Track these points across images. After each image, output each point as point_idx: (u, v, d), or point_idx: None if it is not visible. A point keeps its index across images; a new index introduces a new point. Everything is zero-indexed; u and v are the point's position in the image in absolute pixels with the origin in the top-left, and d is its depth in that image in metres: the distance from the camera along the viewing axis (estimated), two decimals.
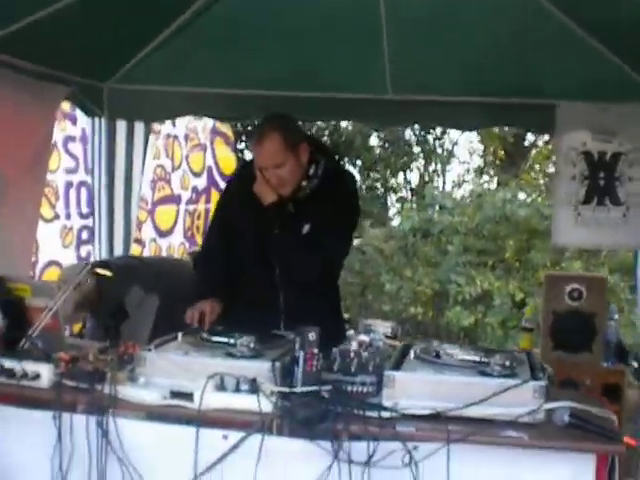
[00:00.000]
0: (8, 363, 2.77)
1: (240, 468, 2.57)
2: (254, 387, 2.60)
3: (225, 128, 10.08)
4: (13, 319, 3.03)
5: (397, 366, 2.75)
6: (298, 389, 2.61)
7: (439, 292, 9.59)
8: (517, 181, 11.02)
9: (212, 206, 9.62)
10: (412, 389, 2.62)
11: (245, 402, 2.59)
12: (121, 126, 5.25)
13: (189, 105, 5.22)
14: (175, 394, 2.65)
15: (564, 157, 5.01)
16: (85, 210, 7.26)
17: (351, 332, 9.03)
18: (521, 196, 10.37)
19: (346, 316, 9.24)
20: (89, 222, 7.31)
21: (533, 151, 12.69)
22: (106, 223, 5.39)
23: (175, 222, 8.83)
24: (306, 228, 3.54)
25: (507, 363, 2.73)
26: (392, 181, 12.47)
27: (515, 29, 4.55)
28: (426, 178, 12.74)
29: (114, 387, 2.66)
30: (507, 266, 9.81)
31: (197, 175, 9.35)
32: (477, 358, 2.81)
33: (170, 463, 2.61)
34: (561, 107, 4.96)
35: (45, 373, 2.75)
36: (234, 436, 2.57)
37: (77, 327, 4.65)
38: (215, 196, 9.71)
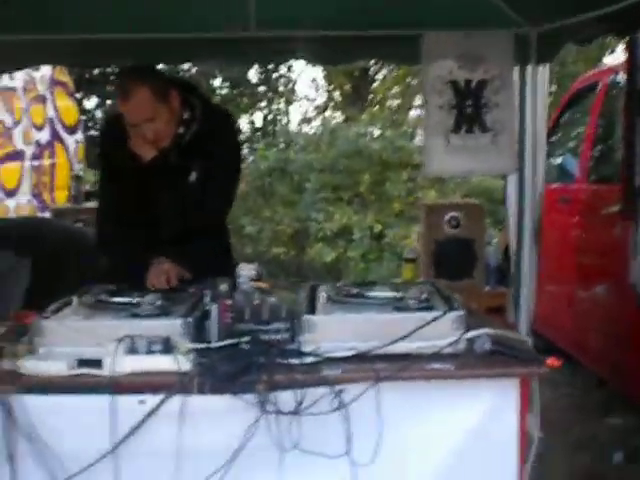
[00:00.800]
0: None
1: (162, 433, 2.42)
2: (168, 346, 2.45)
3: (64, 77, 9.62)
4: None
5: (312, 309, 2.66)
6: (216, 344, 2.48)
7: (299, 230, 9.57)
8: (366, 115, 11.07)
9: (57, 160, 9.21)
10: (333, 331, 2.55)
11: (160, 363, 2.44)
12: None
13: (37, 54, 4.85)
14: (82, 362, 2.47)
15: (431, 87, 4.99)
16: None
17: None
18: (371, 130, 10.43)
19: None
20: None
21: (375, 84, 12.81)
22: None
23: (21, 180, 8.39)
24: (193, 176, 3.38)
25: (422, 296, 2.70)
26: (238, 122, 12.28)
27: None
28: (269, 118, 12.64)
29: (14, 362, 2.44)
30: (363, 200, 9.89)
31: (39, 128, 8.91)
32: (392, 294, 2.76)
33: (85, 436, 2.43)
34: (426, 37, 4.93)
35: None
36: (152, 400, 2.42)
37: None
38: (59, 149, 9.30)
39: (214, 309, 2.53)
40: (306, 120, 11.99)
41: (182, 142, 3.38)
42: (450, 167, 4.97)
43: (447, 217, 4.37)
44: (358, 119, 10.83)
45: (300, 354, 2.51)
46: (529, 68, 4.82)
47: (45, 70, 9.03)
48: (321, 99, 12.58)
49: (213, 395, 2.43)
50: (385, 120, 10.68)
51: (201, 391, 2.43)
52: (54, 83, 9.30)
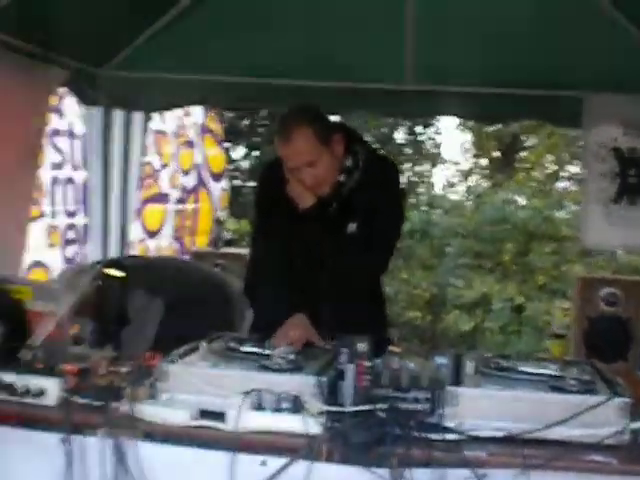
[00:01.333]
0: (8, 377, 2.39)
1: None
2: (298, 405, 2.24)
3: (214, 125, 9.75)
4: (12, 326, 2.65)
5: (457, 380, 2.40)
6: (351, 408, 2.25)
7: (436, 296, 9.27)
8: (514, 182, 10.73)
9: (201, 205, 9.29)
10: (479, 407, 2.28)
11: (287, 423, 2.23)
12: (118, 115, 4.85)
13: (193, 94, 4.84)
14: (205, 413, 2.29)
15: (592, 153, 4.70)
16: (72, 208, 6.90)
17: None
18: (519, 198, 10.08)
19: None
20: (75, 221, 6.97)
21: (523, 153, 12.45)
22: (100, 221, 5.00)
23: (164, 222, 8.47)
24: (352, 227, 3.16)
25: (584, 377, 2.40)
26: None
27: (541, 15, 4.26)
28: (413, 179, 12.47)
29: (133, 405, 2.28)
30: (505, 269, 9.51)
31: (186, 173, 9.01)
32: (549, 371, 2.47)
33: None
34: (589, 99, 4.66)
35: (51, 389, 2.37)
36: (275, 462, 2.21)
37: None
38: (204, 195, 9.38)
39: (350, 369, 2.31)
40: (450, 184, 11.75)
41: (343, 191, 3.18)
42: (609, 240, 4.63)
43: (603, 293, 4.01)
44: (505, 186, 10.49)
45: (441, 429, 2.25)
46: None
47: (197, 117, 9.17)
48: (467, 164, 12.32)
49: (342, 465, 2.20)
50: (533, 189, 10.29)
51: (330, 459, 2.20)
52: (204, 130, 9.43)
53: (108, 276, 3.25)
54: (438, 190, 11.66)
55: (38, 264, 6.36)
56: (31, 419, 2.36)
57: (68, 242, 6.82)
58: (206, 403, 2.32)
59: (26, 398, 2.36)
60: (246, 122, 12.25)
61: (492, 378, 2.46)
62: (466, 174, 12.41)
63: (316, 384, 2.31)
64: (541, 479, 2.15)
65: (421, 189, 10.86)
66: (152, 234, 8.22)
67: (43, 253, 6.46)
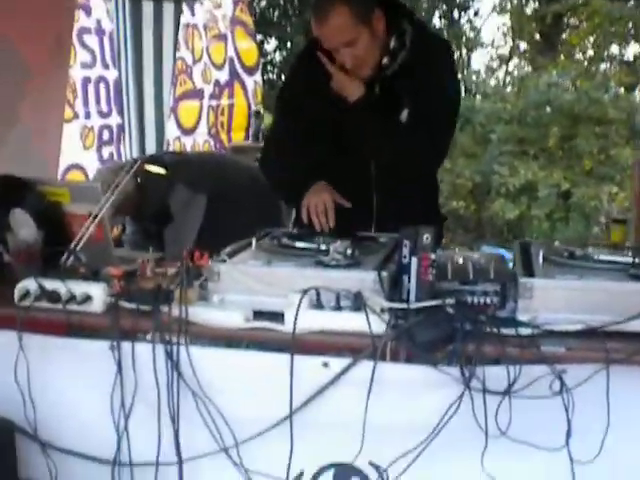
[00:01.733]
0: (50, 284, 2.26)
1: (345, 402, 2.08)
2: (359, 303, 2.09)
3: (245, 16, 9.41)
4: (51, 230, 2.52)
5: (529, 271, 2.23)
6: (416, 304, 2.10)
7: (480, 184, 9.03)
8: (556, 65, 10.31)
9: (236, 101, 9.04)
10: (554, 299, 2.11)
11: (349, 322, 2.09)
12: (147, 7, 4.60)
13: None
14: (260, 314, 2.16)
15: None
16: (105, 108, 6.71)
17: None
18: (563, 81, 9.66)
19: None
20: (109, 121, 6.78)
21: (565, 33, 11.95)
22: (135, 120, 4.82)
23: (199, 118, 8.25)
24: (404, 115, 2.92)
25: None
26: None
27: None
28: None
29: (183, 308, 2.15)
30: (551, 155, 9.23)
31: (219, 68, 8.72)
32: (626, 258, 2.29)
33: (258, 398, 2.13)
34: None
35: (97, 294, 2.24)
36: (337, 363, 2.08)
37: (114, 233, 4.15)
38: (238, 90, 9.11)
39: (414, 263, 2.14)
40: (491, 69, 11.34)
41: (387, 73, 2.94)
42: None
43: None
44: (548, 69, 10.08)
45: (514, 323, 2.09)
46: None
47: (226, 8, 8.85)
48: (506, 48, 11.88)
49: (409, 364, 2.07)
50: (577, 71, 9.87)
51: (395, 358, 2.06)
52: (235, 22, 9.10)
53: (148, 172, 3.09)
54: (477, 75, 11.25)
55: (74, 167, 6.22)
56: (77, 327, 2.24)
57: (103, 143, 6.65)
58: (261, 303, 2.19)
59: (71, 305, 2.23)
60: (277, 12, 11.85)
61: (565, 268, 2.28)
62: (507, 59, 11.98)
63: (377, 279, 2.15)
64: (623, 374, 2.00)
65: (468, 74, 10.46)
66: (188, 131, 8.01)
67: (78, 155, 6.31)
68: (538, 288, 2.11)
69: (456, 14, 11.61)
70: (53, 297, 2.24)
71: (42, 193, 2.59)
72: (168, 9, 4.70)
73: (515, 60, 11.87)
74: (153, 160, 3.21)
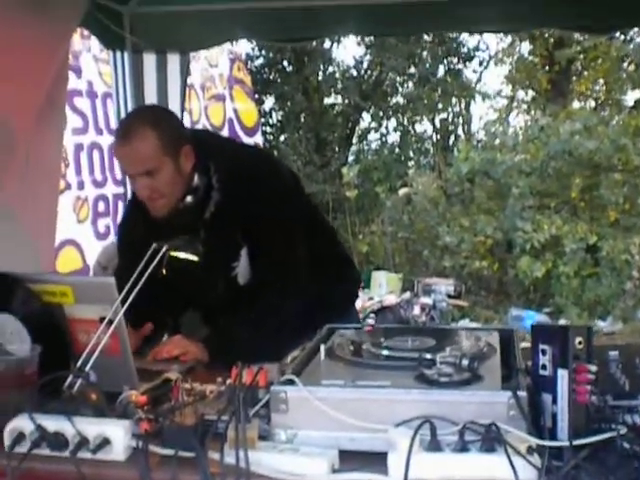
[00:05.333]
0: (53, 423, 1.63)
1: None
2: (494, 440, 1.47)
3: (243, 75, 8.93)
4: (50, 343, 1.88)
5: None
6: (580, 440, 1.47)
7: (501, 242, 8.45)
8: (569, 111, 9.82)
9: None
10: None
11: (482, 469, 1.46)
12: (149, 60, 4.04)
13: (234, 26, 4.03)
14: (350, 459, 1.53)
15: None
16: (100, 177, 6.15)
17: (407, 294, 7.83)
18: (577, 125, 9.12)
19: (399, 275, 8.16)
20: (105, 191, 6.24)
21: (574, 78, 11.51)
22: None
23: None
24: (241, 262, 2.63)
25: None
26: (426, 123, 11.31)
27: None
28: (459, 118, 11.63)
29: (244, 454, 1.52)
30: (574, 207, 8.68)
31: (218, 129, 8.21)
32: None
33: None
34: None
35: (117, 436, 1.61)
36: None
37: None
38: None
39: (562, 379, 1.52)
40: (500, 121, 10.85)
41: (205, 217, 2.61)
42: None
43: None
44: (561, 118, 9.57)
45: None
46: None
47: (223, 67, 8.38)
48: (515, 96, 11.43)
49: None
50: (596, 117, 9.36)
51: None
52: (233, 81, 8.62)
53: (177, 260, 2.48)
54: (478, 127, 10.77)
55: (67, 242, 5.65)
56: None
57: (99, 215, 6.08)
58: (351, 442, 1.56)
59: (83, 453, 1.60)
60: (274, 71, 11.36)
61: None
62: (512, 108, 11.53)
63: (514, 403, 1.53)
64: None
65: (469, 127, 9.98)
66: None
67: (72, 229, 5.73)
68: None
69: (460, 64, 11.18)
70: (57, 442, 1.61)
71: (37, 293, 1.98)
72: (173, 60, 4.13)
73: (523, 108, 11.41)
74: (182, 243, 2.59)
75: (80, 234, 5.91)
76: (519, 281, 8.18)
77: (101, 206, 6.20)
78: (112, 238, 5.66)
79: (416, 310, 6.75)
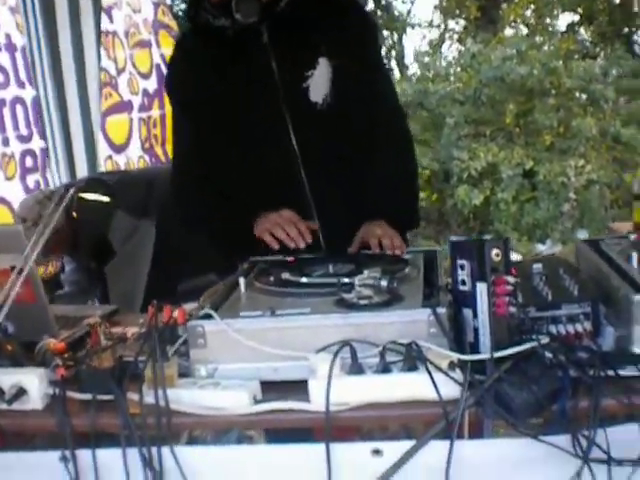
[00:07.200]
0: None
1: None
2: (416, 359, 1.46)
3: (168, 20, 8.72)
4: None
5: (634, 283, 1.61)
6: (501, 352, 1.46)
7: (438, 172, 8.43)
8: (500, 39, 9.78)
9: (168, 110, 8.33)
10: None
11: (405, 388, 1.45)
12: (62, 13, 3.88)
13: None
14: (272, 390, 1.50)
15: None
16: (25, 132, 5.97)
17: None
18: (509, 52, 9.06)
19: None
20: (31, 145, 6.06)
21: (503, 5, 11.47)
22: (61, 141, 4.11)
23: (130, 133, 7.52)
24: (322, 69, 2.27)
25: None
26: None
27: None
28: (391, 52, 11.54)
29: (163, 393, 1.48)
30: (508, 133, 8.70)
31: (145, 77, 8.00)
32: None
33: None
34: None
35: (33, 385, 1.56)
36: (393, 449, 1.44)
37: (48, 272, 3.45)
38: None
39: (481, 292, 1.50)
40: (433, 49, 10.79)
41: (276, 9, 2.26)
42: None
43: None
44: (492, 45, 9.51)
45: (633, 358, 1.48)
46: None
47: (147, 12, 8.16)
48: (441, 27, 11.39)
49: (498, 439, 1.44)
50: (527, 43, 9.29)
51: (477, 433, 1.43)
52: (158, 26, 8.41)
53: (83, 201, 2.40)
54: (419, 59, 10.67)
55: None
56: (11, 435, 1.56)
57: (27, 171, 5.91)
58: (272, 373, 1.53)
59: None
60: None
61: None
62: (445, 39, 11.48)
63: (434, 321, 1.51)
64: None
65: (400, 60, 9.90)
66: (119, 148, 7.27)
67: (1, 187, 5.57)
68: None
69: None
70: None
71: None
72: (86, 14, 3.97)
73: (455, 38, 11.36)
74: (89, 185, 2.52)
75: (9, 191, 5.74)
76: (458, 210, 8.19)
77: (29, 161, 6.01)
78: None
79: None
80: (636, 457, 1.40)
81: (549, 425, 1.41)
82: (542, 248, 7.49)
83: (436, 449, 1.41)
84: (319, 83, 2.28)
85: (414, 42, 11.70)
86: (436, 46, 10.88)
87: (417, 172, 2.57)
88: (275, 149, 2.29)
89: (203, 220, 2.38)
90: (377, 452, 1.44)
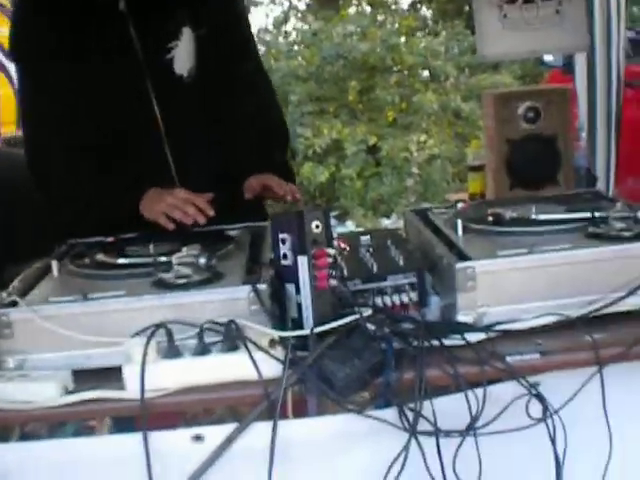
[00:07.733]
0: None
1: None
2: (235, 338, 1.39)
3: None
4: None
5: (458, 252, 1.60)
6: (321, 327, 1.41)
7: None
8: (342, 16, 9.80)
9: (1, 91, 7.95)
10: (504, 286, 1.50)
11: (224, 369, 1.38)
12: None
13: None
14: (85, 378, 1.41)
15: None
16: None
17: None
18: (350, 28, 9.09)
19: None
20: None
21: None
22: None
23: None
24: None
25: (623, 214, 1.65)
26: None
27: None
28: None
29: None
30: (352, 110, 8.75)
31: None
32: (582, 214, 1.70)
33: None
34: None
35: None
36: (214, 433, 1.37)
37: None
38: (2, 79, 8.02)
39: (302, 265, 1.45)
40: (276, 27, 10.69)
41: None
42: (507, 47, 3.85)
43: (522, 109, 3.26)
44: (335, 22, 9.53)
45: (458, 328, 1.46)
46: None
47: None
48: (286, 4, 11.34)
49: (322, 417, 1.40)
50: (368, 20, 9.35)
51: (301, 411, 1.39)
52: None
53: None
54: (261, 37, 10.58)
55: None
56: None
57: None
58: (84, 361, 1.44)
59: None
60: None
61: (497, 238, 1.67)
62: (289, 17, 11.41)
63: (254, 297, 1.45)
64: (620, 376, 1.43)
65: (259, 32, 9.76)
66: None
67: None
68: (480, 273, 1.48)
69: None
70: None
71: None
72: None
73: (298, 16, 11.32)
74: None
75: None
76: (304, 187, 8.18)
77: None
78: None
79: None
80: (464, 427, 1.38)
81: (375, 399, 1.38)
82: (387, 222, 7.58)
83: (260, 431, 1.35)
84: (183, 54, 2.19)
85: (259, 20, 11.56)
86: (281, 24, 10.79)
87: (288, 135, 2.50)
88: (137, 123, 2.15)
89: (74, 197, 2.17)
90: (198, 438, 1.37)
